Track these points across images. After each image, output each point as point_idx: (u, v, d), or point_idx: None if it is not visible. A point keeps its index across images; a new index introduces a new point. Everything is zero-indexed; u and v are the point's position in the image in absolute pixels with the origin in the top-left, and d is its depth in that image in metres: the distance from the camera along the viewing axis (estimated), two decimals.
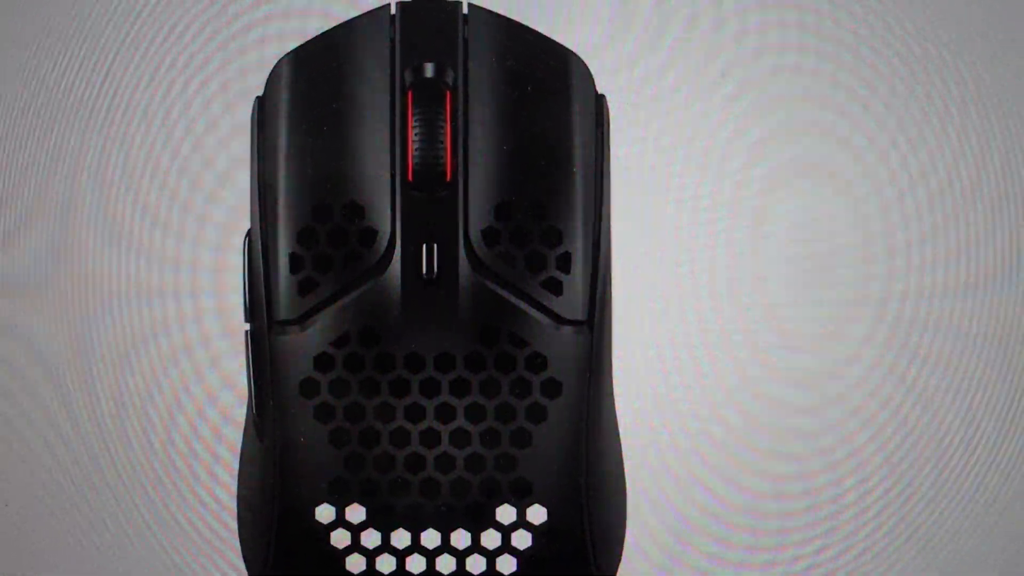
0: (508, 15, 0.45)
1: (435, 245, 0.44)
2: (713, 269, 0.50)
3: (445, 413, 0.44)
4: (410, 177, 0.44)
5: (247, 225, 0.44)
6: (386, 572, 0.44)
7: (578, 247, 0.44)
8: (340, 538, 0.44)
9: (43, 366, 0.51)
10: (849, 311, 0.50)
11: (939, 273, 0.50)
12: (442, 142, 0.44)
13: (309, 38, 0.45)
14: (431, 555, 0.44)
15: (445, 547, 0.44)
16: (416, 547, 0.44)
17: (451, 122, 0.44)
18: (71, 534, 0.51)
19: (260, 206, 0.44)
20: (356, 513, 0.44)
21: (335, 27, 0.45)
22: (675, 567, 0.50)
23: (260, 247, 0.44)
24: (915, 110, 0.50)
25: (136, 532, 0.51)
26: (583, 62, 0.45)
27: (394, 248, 0.44)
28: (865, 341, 0.50)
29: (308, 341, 0.44)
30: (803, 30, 0.50)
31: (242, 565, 0.46)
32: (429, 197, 0.44)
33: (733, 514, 0.50)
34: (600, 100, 0.45)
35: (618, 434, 0.46)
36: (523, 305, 0.44)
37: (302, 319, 0.44)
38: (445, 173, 0.44)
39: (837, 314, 0.50)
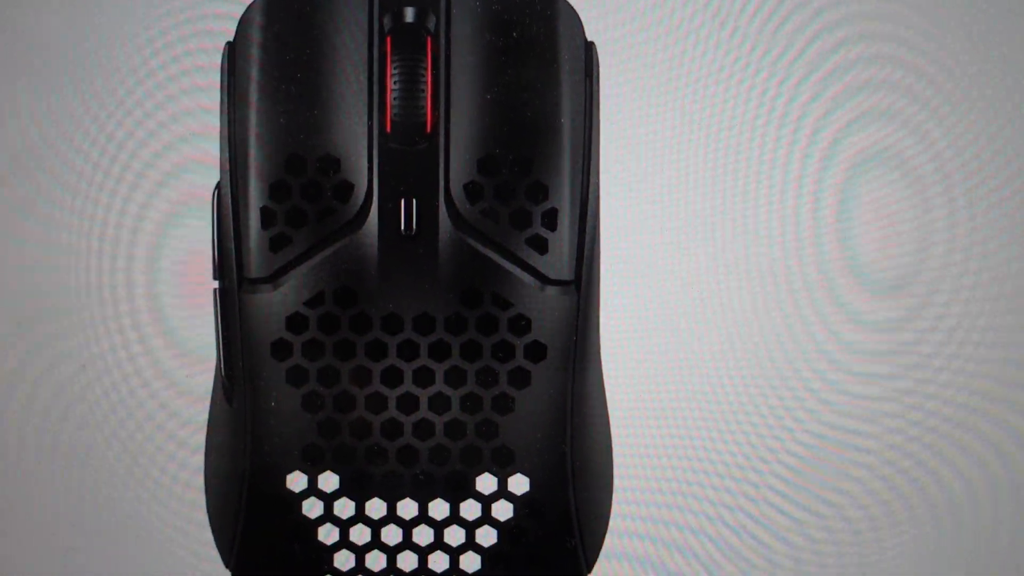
0: None
1: (414, 200, 0.42)
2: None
3: (424, 377, 0.42)
4: (388, 128, 0.42)
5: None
6: (360, 543, 0.43)
7: (565, 203, 0.42)
8: (312, 507, 0.43)
9: None
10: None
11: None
12: (422, 92, 0.42)
13: None
14: (407, 526, 0.43)
15: (422, 517, 0.43)
16: (392, 517, 0.43)
17: (432, 71, 0.42)
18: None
19: (230, 158, 0.43)
20: (329, 481, 0.43)
21: None
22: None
23: (230, 201, 0.43)
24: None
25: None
26: (572, 8, 0.43)
27: (371, 203, 0.42)
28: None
29: (280, 300, 0.42)
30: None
31: (210, 536, 0.44)
32: (408, 150, 0.42)
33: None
34: (590, 49, 0.43)
35: (605, 401, 0.44)
36: (507, 264, 0.42)
37: (274, 277, 0.42)
38: (425, 124, 0.42)
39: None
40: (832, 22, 0.49)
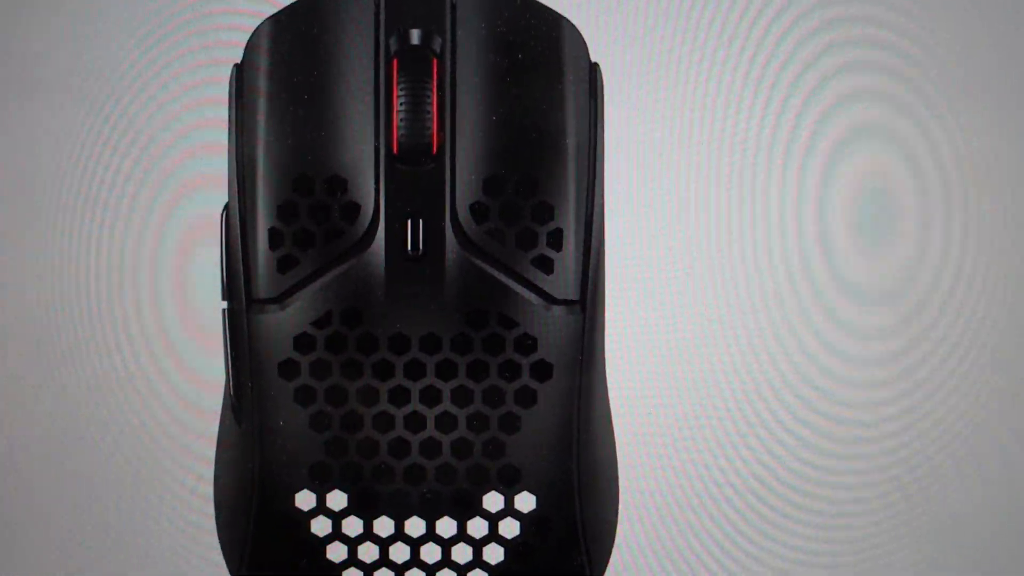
0: None
1: (421, 221, 0.42)
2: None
3: (430, 396, 0.42)
4: (395, 149, 0.42)
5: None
6: (368, 561, 0.43)
7: (570, 223, 0.43)
8: (321, 525, 0.43)
9: None
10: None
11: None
12: (428, 113, 0.42)
13: (290, 2, 0.43)
14: (415, 544, 0.43)
15: (430, 535, 0.43)
16: (400, 535, 0.43)
17: (438, 92, 0.42)
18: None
19: (238, 179, 0.43)
20: (338, 500, 0.43)
21: None
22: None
23: (238, 222, 0.43)
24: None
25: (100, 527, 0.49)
26: (576, 28, 0.43)
27: (378, 224, 0.42)
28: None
29: (288, 320, 0.42)
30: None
31: (219, 553, 0.44)
32: (415, 170, 0.42)
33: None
34: (594, 69, 0.43)
35: (611, 419, 0.44)
36: (512, 284, 0.42)
37: (282, 297, 0.42)
38: (431, 145, 0.42)
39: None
40: (840, 38, 0.49)
